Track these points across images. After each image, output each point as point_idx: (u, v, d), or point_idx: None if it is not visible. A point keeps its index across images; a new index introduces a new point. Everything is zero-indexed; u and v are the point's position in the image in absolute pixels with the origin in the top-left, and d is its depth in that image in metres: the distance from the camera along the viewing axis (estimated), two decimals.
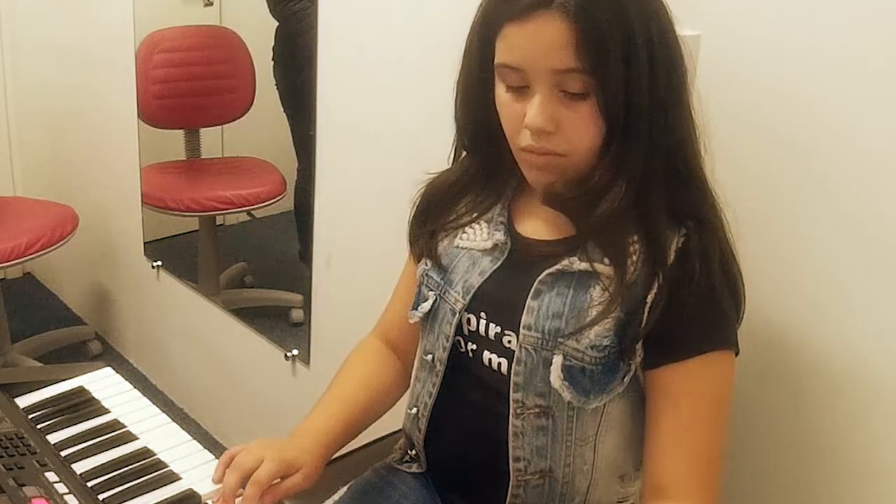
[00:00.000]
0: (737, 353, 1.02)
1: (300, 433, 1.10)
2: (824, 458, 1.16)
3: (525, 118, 0.95)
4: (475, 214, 1.10)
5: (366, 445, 1.38)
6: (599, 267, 0.99)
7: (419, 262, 1.14)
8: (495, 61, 0.97)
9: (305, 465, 1.06)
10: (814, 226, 1.12)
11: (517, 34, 0.93)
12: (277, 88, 2.38)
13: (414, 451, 1.19)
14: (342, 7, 1.73)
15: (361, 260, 1.83)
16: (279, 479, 1.03)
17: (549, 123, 0.94)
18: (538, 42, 0.91)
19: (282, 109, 2.36)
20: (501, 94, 0.98)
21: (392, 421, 1.26)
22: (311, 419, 1.13)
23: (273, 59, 2.39)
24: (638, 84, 0.92)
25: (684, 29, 0.98)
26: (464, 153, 1.12)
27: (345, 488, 1.21)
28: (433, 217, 1.13)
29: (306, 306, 2.03)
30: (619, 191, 0.96)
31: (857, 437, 1.13)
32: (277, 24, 2.33)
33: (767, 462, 1.22)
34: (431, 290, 1.11)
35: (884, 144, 1.04)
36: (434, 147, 1.19)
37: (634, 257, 0.98)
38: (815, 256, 1.13)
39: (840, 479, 1.16)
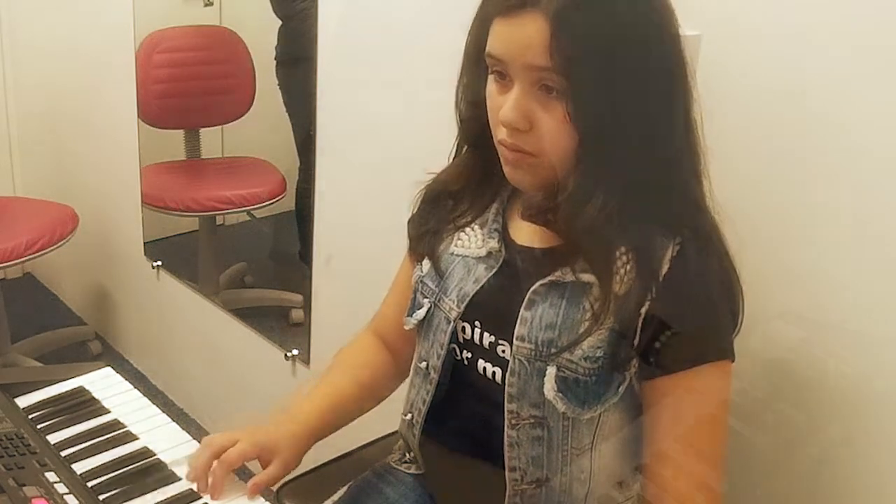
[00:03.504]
0: (732, 360, 1.01)
1: (283, 420, 1.12)
2: (829, 464, 1.16)
3: (500, 112, 0.96)
4: (471, 217, 1.10)
5: (366, 445, 1.38)
6: (587, 278, 0.98)
7: (417, 263, 1.14)
8: (485, 51, 0.97)
9: (282, 452, 1.08)
10: (816, 227, 1.12)
11: (503, 27, 0.93)
12: (280, 88, 2.38)
13: (412, 454, 1.19)
14: (342, 7, 1.73)
15: (361, 260, 1.83)
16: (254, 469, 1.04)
17: (521, 121, 0.94)
18: (519, 36, 0.92)
19: (284, 109, 2.36)
20: (490, 85, 0.98)
21: (391, 421, 1.26)
22: (296, 408, 1.15)
23: (276, 59, 2.38)
24: (620, 92, 0.91)
25: (684, 29, 0.98)
26: (464, 149, 1.12)
27: (344, 488, 1.21)
28: (435, 216, 1.13)
29: (306, 306, 2.03)
30: (599, 201, 0.94)
31: (861, 441, 1.13)
32: (280, 23, 2.33)
33: (770, 468, 1.22)
34: (426, 298, 1.11)
35: (886, 144, 1.04)
36: (434, 147, 1.18)
37: (625, 269, 0.97)
38: (817, 258, 1.13)
39: (844, 484, 1.16)
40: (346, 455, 1.36)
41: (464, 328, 1.07)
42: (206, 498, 1.04)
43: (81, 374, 1.27)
